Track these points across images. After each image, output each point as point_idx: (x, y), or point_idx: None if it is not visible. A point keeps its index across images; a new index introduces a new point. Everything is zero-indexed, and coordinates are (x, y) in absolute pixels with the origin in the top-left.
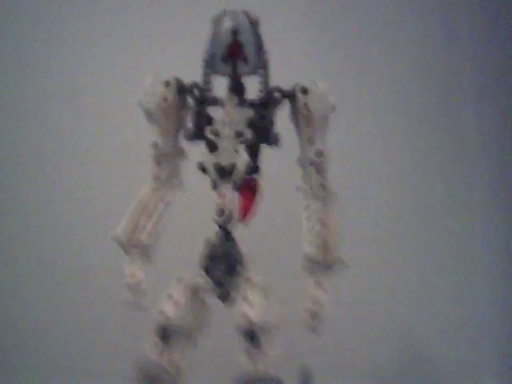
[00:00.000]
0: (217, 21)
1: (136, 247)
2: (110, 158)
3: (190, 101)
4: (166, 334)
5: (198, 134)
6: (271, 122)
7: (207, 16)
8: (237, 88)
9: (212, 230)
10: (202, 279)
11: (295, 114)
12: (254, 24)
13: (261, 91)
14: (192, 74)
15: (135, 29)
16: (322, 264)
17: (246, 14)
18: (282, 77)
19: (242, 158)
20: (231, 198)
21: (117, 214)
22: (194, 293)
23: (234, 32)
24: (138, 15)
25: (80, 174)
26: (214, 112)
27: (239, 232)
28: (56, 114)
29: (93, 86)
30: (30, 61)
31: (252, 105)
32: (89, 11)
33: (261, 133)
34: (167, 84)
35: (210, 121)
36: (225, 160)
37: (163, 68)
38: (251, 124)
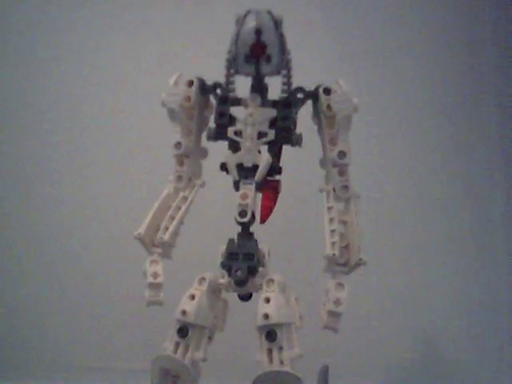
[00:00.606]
0: (240, 20)
1: (158, 247)
2: (115, 160)
3: (213, 101)
4: (186, 332)
5: (220, 134)
6: (294, 123)
7: (231, 16)
8: (260, 88)
9: (234, 230)
10: (224, 279)
11: (318, 114)
12: (277, 24)
13: (284, 91)
14: (215, 73)
15: (159, 28)
16: (344, 265)
17: (270, 13)
18: (304, 77)
19: (265, 159)
20: (253, 198)
21: (120, 214)
22: (216, 292)
23: (258, 32)
24: (162, 15)
25: (83, 175)
26: (236, 112)
27: (261, 232)
28: (62, 114)
29: (102, 90)
30: (36, 63)
31: (275, 105)
32: (111, 11)
33: (283, 133)
34: (190, 84)
35: (232, 121)
36: (247, 160)
37: (186, 68)
38: (274, 124)
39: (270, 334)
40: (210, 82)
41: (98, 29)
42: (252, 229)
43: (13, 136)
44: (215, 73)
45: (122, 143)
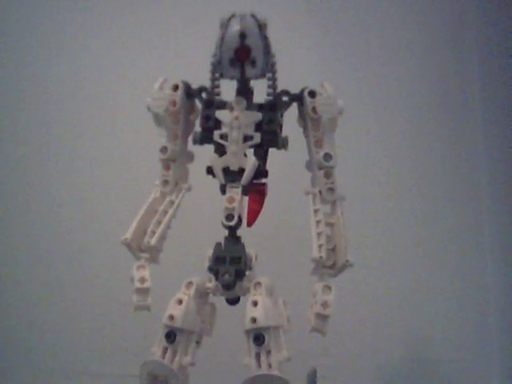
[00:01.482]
0: (225, 24)
1: (145, 251)
2: (112, 162)
3: (199, 104)
4: (173, 337)
5: (206, 138)
6: (279, 126)
7: (215, 19)
8: (245, 91)
9: (221, 234)
10: (211, 283)
11: (303, 117)
12: (261, 27)
13: (269, 94)
14: (200, 77)
15: (143, 33)
16: (332, 268)
17: (254, 17)
18: (289, 80)
19: (251, 162)
20: (240, 202)
21: (119, 218)
22: (203, 296)
23: (242, 35)
24: (146, 19)
25: (82, 178)
26: (222, 116)
27: (248, 235)
28: (59, 118)
29: (99, 92)
30: (33, 66)
31: (260, 108)
32: (95, 16)
33: (269, 136)
34: (175, 88)
35: (218, 124)
36: (233, 164)
37: (171, 72)
38: (259, 127)
39: (258, 337)
40: (195, 85)
41: (86, 35)
42: (239, 232)
43: (17, 146)
44: (200, 77)
45: (125, 147)
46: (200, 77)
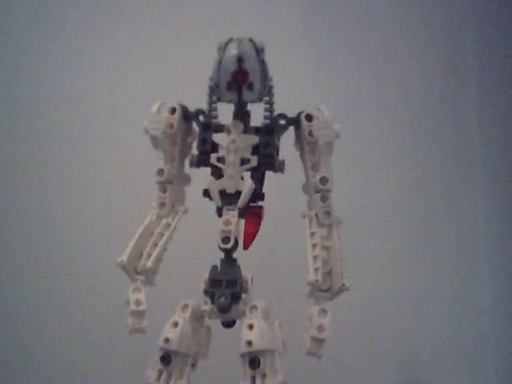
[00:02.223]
0: (222, 48)
1: (141, 274)
2: (113, 177)
3: (196, 127)
4: (168, 360)
5: (203, 161)
6: (276, 149)
7: (213, 43)
8: (242, 115)
9: (217, 257)
10: (207, 306)
11: (300, 140)
12: (259, 51)
13: (266, 118)
14: (197, 100)
15: (141, 55)
16: (328, 291)
17: (252, 41)
18: (286, 104)
19: (248, 185)
20: (236, 224)
21: (119, 236)
22: (199, 319)
23: (239, 59)
24: (144, 42)
25: (82, 192)
26: (219, 139)
27: (244, 258)
28: (58, 133)
29: (99, 110)
30: (32, 79)
31: (257, 132)
32: (94, 36)
33: (266, 160)
34: (173, 111)
35: (215, 147)
36: (230, 187)
37: (169, 95)
38: (256, 151)
39: (254, 360)
40: (192, 109)
41: (86, 46)
42: (235, 255)
43: (16, 154)
44: (198, 100)
45: (127, 162)
46: (197, 100)
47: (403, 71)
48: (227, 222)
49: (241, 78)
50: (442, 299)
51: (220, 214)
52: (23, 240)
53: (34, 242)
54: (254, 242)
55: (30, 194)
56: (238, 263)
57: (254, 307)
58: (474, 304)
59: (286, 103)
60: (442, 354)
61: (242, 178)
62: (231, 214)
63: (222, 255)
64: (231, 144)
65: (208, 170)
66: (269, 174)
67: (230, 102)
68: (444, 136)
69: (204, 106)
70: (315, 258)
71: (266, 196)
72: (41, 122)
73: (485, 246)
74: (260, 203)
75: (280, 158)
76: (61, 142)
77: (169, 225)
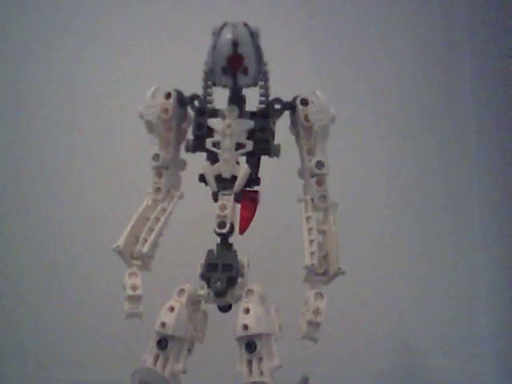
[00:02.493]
0: (217, 33)
1: (137, 259)
2: (109, 167)
3: (191, 112)
4: (165, 344)
5: (198, 146)
6: (272, 134)
7: (208, 28)
8: (237, 100)
9: (213, 242)
10: (203, 290)
11: (295, 125)
12: (254, 36)
13: (261, 103)
14: (193, 85)
15: (136, 40)
16: (324, 275)
17: (246, 25)
18: (282, 88)
19: (243, 170)
20: (232, 209)
21: (116, 223)
22: (195, 304)
23: (234, 44)
24: (139, 27)
25: (80, 184)
26: (214, 124)
27: (240, 243)
28: (56, 124)
29: (93, 99)
30: (30, 75)
31: (252, 116)
32: (89, 24)
33: (261, 144)
34: (168, 96)
35: (210, 132)
36: (225, 171)
37: (164, 80)
38: (252, 135)
39: (250, 344)
40: (187, 93)
41: (82, 40)
42: (231, 240)
43: (14, 148)
44: (193, 85)
45: (122, 153)
46: (192, 85)
47: (399, 56)
48: (223, 207)
49: (236, 63)
50: (437, 283)
51: (216, 199)
52: (20, 224)
53: (30, 227)
54: (249, 227)
55: (25, 178)
56: (234, 248)
57: (250, 291)
58: (470, 288)
59: (281, 88)
60: (437, 338)
61: (238, 163)
62: (227, 199)
63: (218, 240)
64: (226, 129)
65: (203, 155)
66: (264, 159)
67: (225, 86)
68: (441, 120)
69: (199, 91)
70: (311, 242)
71: (261, 180)
72: (36, 107)
73: (480, 230)
74: (256, 188)
75: (275, 142)
76: (55, 127)
77: (164, 210)
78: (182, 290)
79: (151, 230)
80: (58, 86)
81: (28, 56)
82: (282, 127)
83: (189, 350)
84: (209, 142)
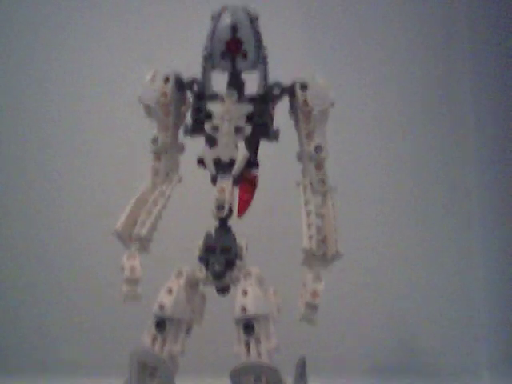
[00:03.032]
0: (216, 17)
1: (135, 241)
2: (109, 152)
3: (190, 96)
4: (163, 326)
5: (197, 130)
6: (270, 118)
7: (207, 12)
8: (236, 84)
9: (212, 225)
10: (201, 273)
11: (294, 109)
12: (253, 20)
13: (260, 87)
14: (192, 69)
15: (135, 25)
16: (322, 258)
17: (245, 10)
18: (281, 72)
19: (242, 153)
20: (230, 192)
21: (115, 209)
22: (193, 286)
23: (233, 28)
24: (138, 11)
25: (78, 169)
26: (213, 107)
27: (238, 226)
28: (54, 108)
29: (90, 82)
30: (28, 57)
31: (251, 100)
32: (88, 8)
33: (260, 128)
34: (167, 80)
35: (209, 116)
36: (224, 155)
37: (163, 64)
38: (250, 119)
39: (248, 326)
40: (186, 78)
41: (75, 27)
42: (230, 223)
43: (11, 131)
44: (192, 69)
45: (121, 139)
46: (191, 69)
47: (398, 40)
48: (221, 190)
49: (235, 47)
50: (435, 268)
51: (214, 183)
52: (15, 207)
53: (28, 211)
54: (248, 210)
55: (24, 165)
56: (233, 231)
57: (248, 274)
58: (467, 271)
59: (280, 72)
60: (435, 321)
61: (237, 147)
62: (225, 182)
63: (217, 223)
64: (225, 113)
65: (202, 139)
66: (263, 143)
67: (224, 70)
68: (441, 104)
69: (198, 76)
70: (309, 225)
71: (260, 164)
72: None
73: (477, 213)
74: (254, 171)
75: (274, 126)
76: (54, 113)
77: (163, 193)
78: (181, 273)
79: (150, 212)
80: (53, 73)
81: (29, 44)
82: (281, 111)
83: (187, 331)
84: (207, 126)
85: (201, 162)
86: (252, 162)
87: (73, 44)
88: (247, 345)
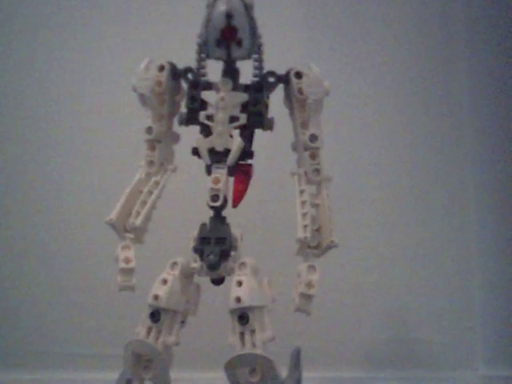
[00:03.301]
0: (211, 4)
1: (130, 232)
2: (109, 151)
3: (185, 85)
4: (158, 317)
5: (192, 119)
6: (265, 107)
7: (202, 0)
8: (231, 72)
9: (206, 215)
10: (196, 263)
11: (289, 98)
12: (248, 8)
13: (255, 76)
14: (186, 58)
15: (130, 14)
16: (316, 248)
17: None
18: (276, 61)
19: (236, 143)
20: (225, 183)
21: (109, 196)
22: (188, 277)
23: (228, 16)
24: (133, 1)
25: (78, 168)
26: (208, 96)
27: (233, 216)
28: (54, 108)
29: (90, 81)
30: (28, 57)
31: (246, 89)
32: (88, 7)
33: (255, 117)
34: (161, 68)
35: (204, 105)
36: (219, 145)
37: (157, 52)
38: (245, 108)
39: (242, 317)
40: (181, 66)
41: (75, 26)
42: (224, 213)
43: (10, 129)
44: (186, 57)
45: (117, 132)
46: (186, 57)
47: (394, 31)
48: (216, 180)
49: (230, 35)
50: (431, 260)
51: (209, 172)
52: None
53: (23, 204)
54: (243, 200)
55: (24, 165)
56: (228, 221)
57: (243, 264)
58: (462, 264)
59: (275, 60)
60: (430, 313)
61: (231, 136)
62: (220, 172)
63: (211, 213)
64: (220, 102)
65: (197, 128)
66: (258, 132)
67: (218, 59)
68: (440, 104)
69: (193, 64)
70: (304, 215)
71: (255, 154)
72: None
73: (475, 212)
74: (249, 161)
75: (269, 115)
76: (54, 113)
77: (158, 183)
78: (175, 263)
79: (144, 203)
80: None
81: (29, 44)
82: (275, 100)
83: (182, 322)
84: (202, 115)
85: (195, 151)
86: (247, 152)
87: (72, 43)
88: (242, 336)
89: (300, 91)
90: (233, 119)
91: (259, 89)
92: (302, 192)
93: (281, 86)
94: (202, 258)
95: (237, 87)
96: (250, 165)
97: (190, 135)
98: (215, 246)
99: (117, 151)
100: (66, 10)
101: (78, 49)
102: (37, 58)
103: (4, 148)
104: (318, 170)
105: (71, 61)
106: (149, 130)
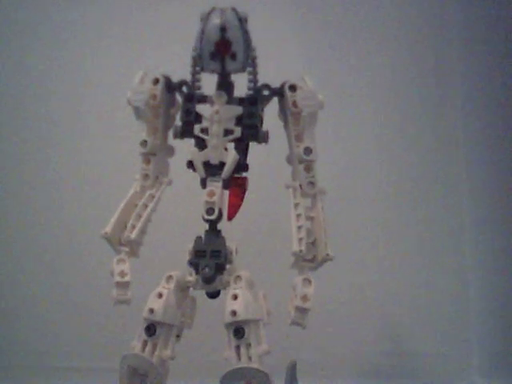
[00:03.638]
0: (205, 18)
1: (125, 245)
2: (109, 152)
3: (179, 98)
4: (153, 331)
5: (186, 132)
6: (260, 120)
7: (196, 13)
8: (225, 85)
9: (201, 228)
10: (192, 277)
11: (284, 111)
12: (242, 21)
13: (249, 89)
14: (181, 71)
15: (125, 27)
16: (312, 261)
17: (234, 11)
18: (270, 74)
19: (231, 156)
20: (220, 196)
21: (104, 210)
22: (183, 290)
23: (222, 29)
24: (129, 14)
25: (78, 169)
26: (202, 110)
27: (228, 229)
28: (54, 108)
29: (90, 83)
30: (28, 57)
31: (241, 102)
32: (89, 9)
33: (250, 130)
34: (156, 81)
35: (198, 118)
36: (214, 158)
37: (152, 65)
38: (240, 121)
39: (238, 330)
40: (175, 79)
41: (75, 28)
42: (219, 226)
43: (11, 134)
44: (181, 70)
45: (116, 142)
46: (181, 71)
47: (388, 41)
48: (211, 193)
49: (224, 48)
50: (426, 270)
51: (204, 186)
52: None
53: (21, 213)
54: (238, 214)
55: (25, 165)
56: (223, 234)
57: (238, 278)
58: (459, 275)
59: (269, 74)
60: (425, 325)
61: (226, 149)
62: (215, 185)
63: (207, 226)
64: (215, 115)
65: (192, 141)
66: (253, 145)
67: (213, 72)
68: (433, 98)
69: (187, 77)
70: (299, 228)
71: (249, 167)
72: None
73: (467, 208)
74: (244, 174)
75: (264, 128)
76: (54, 113)
77: (153, 196)
78: (171, 277)
79: (139, 216)
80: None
81: (29, 44)
82: (270, 113)
83: (177, 336)
84: (197, 128)
85: (190, 164)
86: (242, 165)
87: (72, 45)
88: (238, 349)
89: (294, 104)
90: (227, 132)
91: (254, 102)
92: (296, 205)
93: (275, 99)
94: (197, 271)
95: (231, 100)
96: (245, 178)
97: (185, 148)
98: (210, 259)
99: (121, 159)
100: (66, 10)
101: (77, 51)
102: (37, 59)
103: (5, 152)
104: (312, 183)
105: (70, 70)
106: (143, 143)
